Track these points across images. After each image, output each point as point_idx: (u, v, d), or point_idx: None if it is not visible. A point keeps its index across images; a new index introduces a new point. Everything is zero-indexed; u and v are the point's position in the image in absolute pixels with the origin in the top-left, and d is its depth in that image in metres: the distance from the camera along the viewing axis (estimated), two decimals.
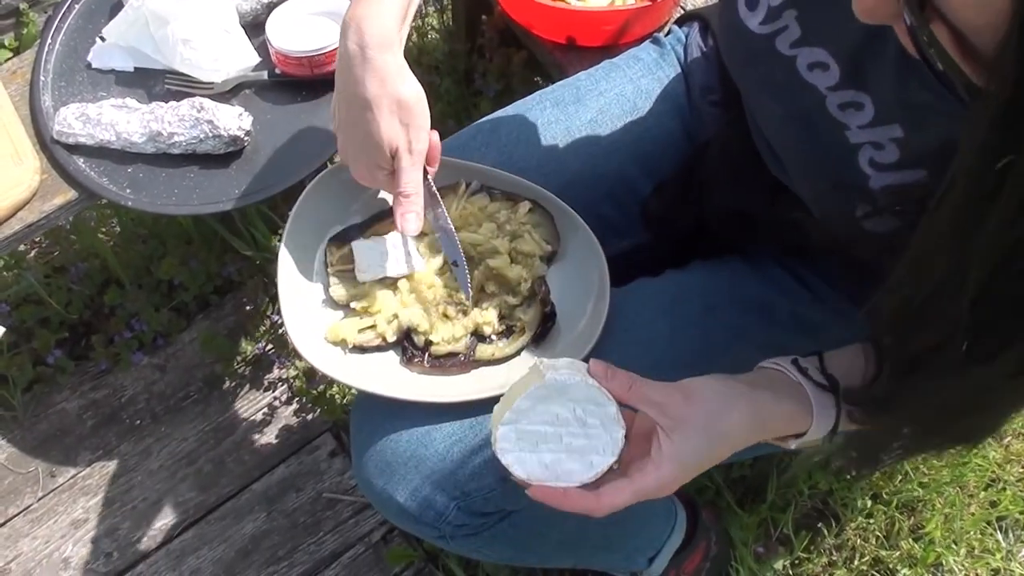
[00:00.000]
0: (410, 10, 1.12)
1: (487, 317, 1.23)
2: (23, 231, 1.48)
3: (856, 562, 1.91)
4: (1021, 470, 2.02)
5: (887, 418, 1.00)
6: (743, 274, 1.32)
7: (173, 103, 1.49)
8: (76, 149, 1.49)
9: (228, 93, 1.55)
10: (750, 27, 1.05)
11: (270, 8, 1.56)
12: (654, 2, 1.67)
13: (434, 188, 1.19)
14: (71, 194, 1.49)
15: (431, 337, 1.22)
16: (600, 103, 1.41)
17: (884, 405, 0.98)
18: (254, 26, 1.58)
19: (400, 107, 1.09)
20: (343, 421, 1.96)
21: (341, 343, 1.23)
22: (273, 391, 2.00)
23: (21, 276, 2.02)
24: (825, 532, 1.92)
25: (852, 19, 0.94)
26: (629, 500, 0.98)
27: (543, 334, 1.24)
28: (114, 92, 1.55)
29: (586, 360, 1.13)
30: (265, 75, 1.54)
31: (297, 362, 2.01)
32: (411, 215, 1.13)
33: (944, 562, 1.91)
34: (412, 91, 1.10)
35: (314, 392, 1.95)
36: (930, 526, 1.93)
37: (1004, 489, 1.99)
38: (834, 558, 1.92)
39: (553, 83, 1.50)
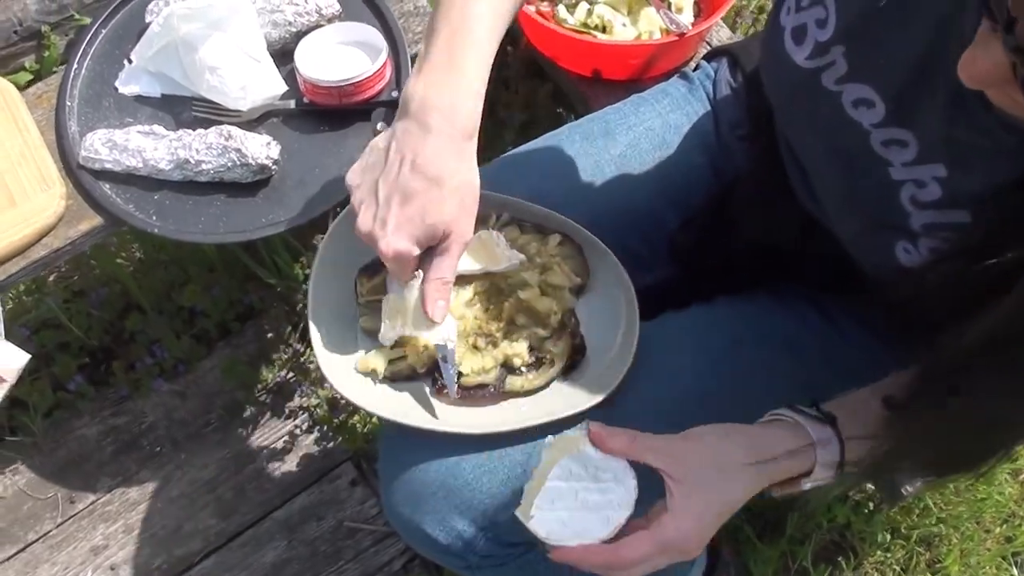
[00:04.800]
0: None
1: (517, 349, 1.23)
2: (48, 256, 1.49)
3: None
4: None
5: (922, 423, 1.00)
6: (771, 309, 1.32)
7: (201, 131, 1.49)
8: (102, 175, 1.49)
9: (255, 121, 1.55)
10: (796, 61, 1.05)
11: (299, 37, 1.56)
12: (681, 37, 1.68)
13: None
14: (96, 220, 1.49)
15: (461, 368, 1.21)
16: (629, 137, 1.42)
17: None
18: (283, 54, 1.57)
19: (468, 192, 1.08)
20: (364, 450, 1.96)
21: (371, 373, 1.23)
22: (294, 419, 2.00)
23: (41, 301, 2.03)
24: (844, 566, 1.91)
25: (900, 57, 0.96)
26: (651, 552, 1.00)
27: (572, 366, 1.24)
28: (141, 118, 1.55)
29: (613, 393, 1.19)
30: (293, 104, 1.54)
31: (319, 390, 2.00)
32: (443, 303, 1.11)
33: None
34: (477, 181, 1.10)
35: (336, 421, 1.95)
36: (948, 561, 1.92)
37: (1020, 525, 1.99)
38: None
39: (577, 115, 1.51)
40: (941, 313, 0.94)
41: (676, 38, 1.69)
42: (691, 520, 1.00)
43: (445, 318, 1.13)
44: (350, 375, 1.23)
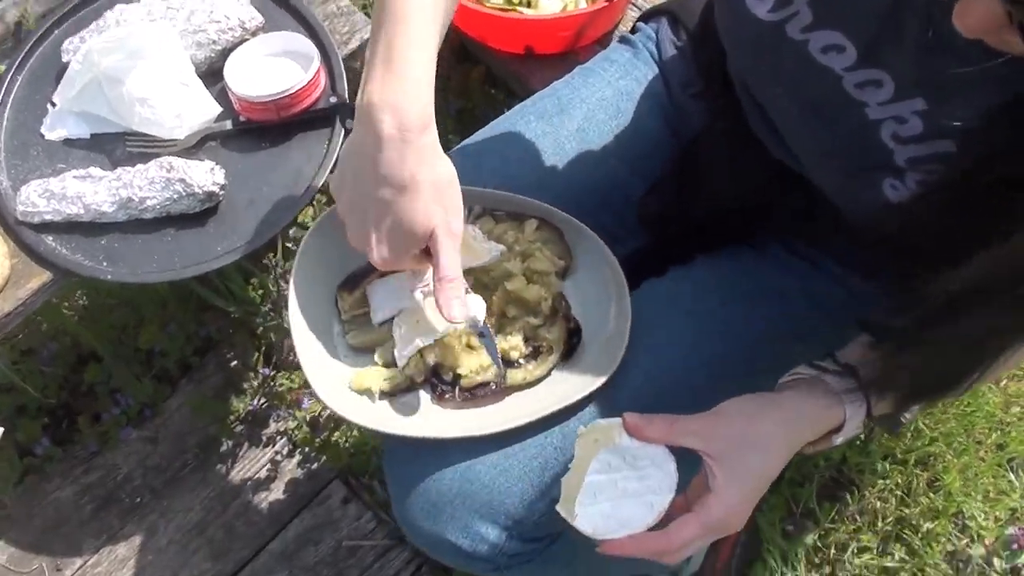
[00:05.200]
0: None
1: (512, 342, 1.20)
2: (1, 322, 1.42)
3: (880, 524, 1.92)
4: (1021, 410, 2.04)
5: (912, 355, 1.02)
6: (750, 263, 1.31)
7: (140, 166, 1.42)
8: (44, 228, 1.43)
9: (193, 148, 1.48)
10: (758, 15, 1.03)
11: (225, 54, 1.50)
12: (610, 3, 1.65)
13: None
14: (45, 276, 1.43)
15: (459, 370, 1.18)
16: (583, 111, 1.39)
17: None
18: (211, 74, 1.52)
19: (438, 188, 1.04)
20: (350, 466, 1.92)
21: (367, 392, 1.19)
22: (273, 446, 1.94)
23: None
24: (848, 499, 1.93)
25: (867, 1, 0.94)
26: (700, 534, 1.00)
27: (570, 350, 1.21)
28: (73, 163, 1.48)
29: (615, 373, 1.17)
30: (229, 124, 1.49)
31: (296, 412, 1.95)
32: (456, 301, 1.06)
33: (964, 510, 1.93)
34: (449, 171, 1.06)
35: (318, 440, 1.90)
36: (947, 478, 1.94)
37: (1009, 431, 2.01)
38: (859, 523, 1.93)
39: (513, 95, 1.47)
40: (927, 244, 0.95)
41: (605, 4, 1.66)
42: (735, 498, 1.00)
43: (464, 315, 1.09)
44: (346, 395, 1.19)
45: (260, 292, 2.00)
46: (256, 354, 2.01)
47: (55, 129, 1.51)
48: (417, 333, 1.18)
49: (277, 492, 1.90)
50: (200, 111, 1.48)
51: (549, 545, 1.24)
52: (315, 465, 1.92)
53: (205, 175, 1.41)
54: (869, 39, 0.96)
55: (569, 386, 1.18)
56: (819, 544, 1.91)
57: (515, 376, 1.19)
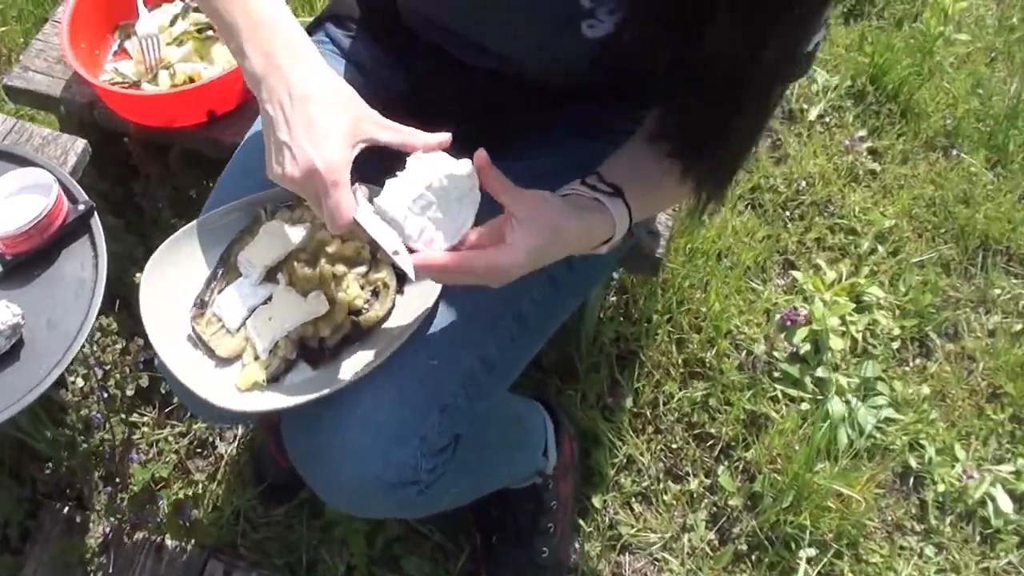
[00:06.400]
0: None
1: (353, 292, 1.35)
2: None
3: (674, 371, 2.26)
4: (741, 222, 2.42)
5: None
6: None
7: None
8: None
9: None
10: None
11: None
12: None
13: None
14: None
15: (321, 335, 1.35)
16: None
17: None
18: None
19: (345, 95, 1.20)
20: (217, 541, 2.00)
21: (255, 386, 1.34)
22: (142, 555, 1.96)
23: None
24: (640, 360, 2.25)
25: None
26: (481, 271, 1.17)
27: (401, 277, 1.37)
28: None
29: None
30: (1, 268, 1.59)
31: (152, 507, 2.00)
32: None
33: (733, 328, 2.33)
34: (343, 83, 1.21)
35: (186, 524, 1.96)
36: (705, 308, 2.32)
37: (739, 251, 2.39)
38: (657, 377, 2.25)
39: (212, 161, 1.65)
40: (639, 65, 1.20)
41: None
42: (521, 259, 1.17)
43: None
44: (241, 396, 1.33)
45: (66, 425, 2.04)
46: (97, 480, 2.04)
47: None
48: (272, 327, 1.35)
49: None
50: None
51: (454, 452, 1.39)
52: (185, 556, 1.96)
53: (3, 312, 1.50)
54: None
55: (418, 302, 1.37)
56: (635, 410, 2.19)
57: (369, 318, 1.36)
